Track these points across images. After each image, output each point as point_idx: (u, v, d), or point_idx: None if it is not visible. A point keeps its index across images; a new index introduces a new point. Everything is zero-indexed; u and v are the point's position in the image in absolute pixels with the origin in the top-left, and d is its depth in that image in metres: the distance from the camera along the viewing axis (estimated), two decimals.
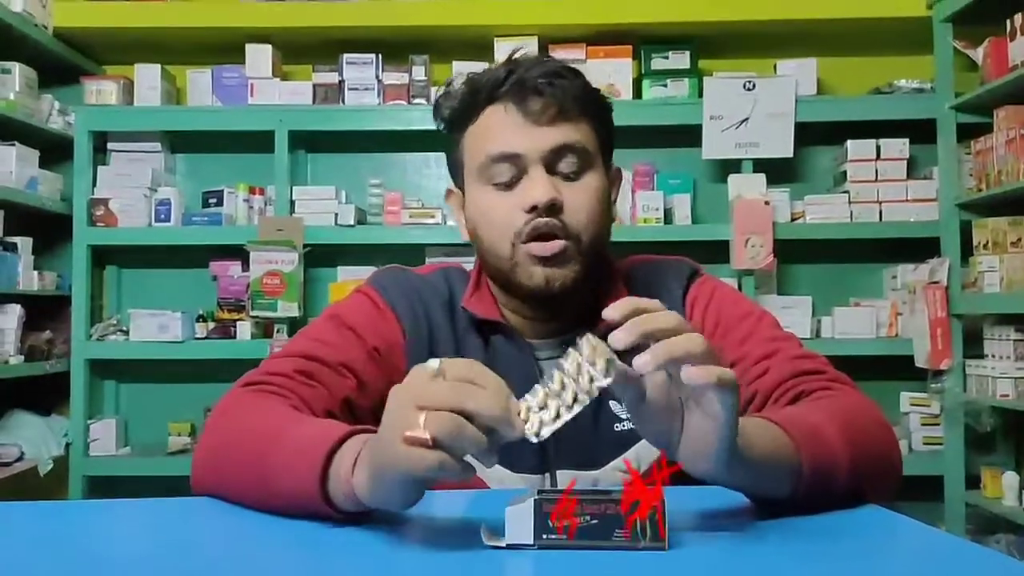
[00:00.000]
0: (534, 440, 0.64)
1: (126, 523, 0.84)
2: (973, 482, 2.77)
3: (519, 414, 0.64)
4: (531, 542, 0.65)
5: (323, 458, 0.72)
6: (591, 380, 0.64)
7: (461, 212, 1.06)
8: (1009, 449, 2.91)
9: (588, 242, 0.98)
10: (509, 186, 0.98)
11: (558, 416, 0.64)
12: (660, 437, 0.69)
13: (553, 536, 0.65)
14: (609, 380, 0.64)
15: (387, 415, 0.65)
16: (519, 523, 0.66)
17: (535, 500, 0.66)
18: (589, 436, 0.97)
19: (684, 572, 0.62)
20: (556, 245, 0.96)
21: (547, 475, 0.98)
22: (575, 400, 0.64)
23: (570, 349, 0.66)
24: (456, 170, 1.05)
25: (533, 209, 0.95)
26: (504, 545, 0.66)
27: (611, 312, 0.66)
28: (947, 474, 2.79)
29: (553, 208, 0.96)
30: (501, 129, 0.97)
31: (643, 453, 0.96)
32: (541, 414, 0.64)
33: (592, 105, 1.01)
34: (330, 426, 0.78)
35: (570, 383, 0.65)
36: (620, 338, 0.64)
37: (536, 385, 0.65)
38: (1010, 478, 2.61)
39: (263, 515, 0.79)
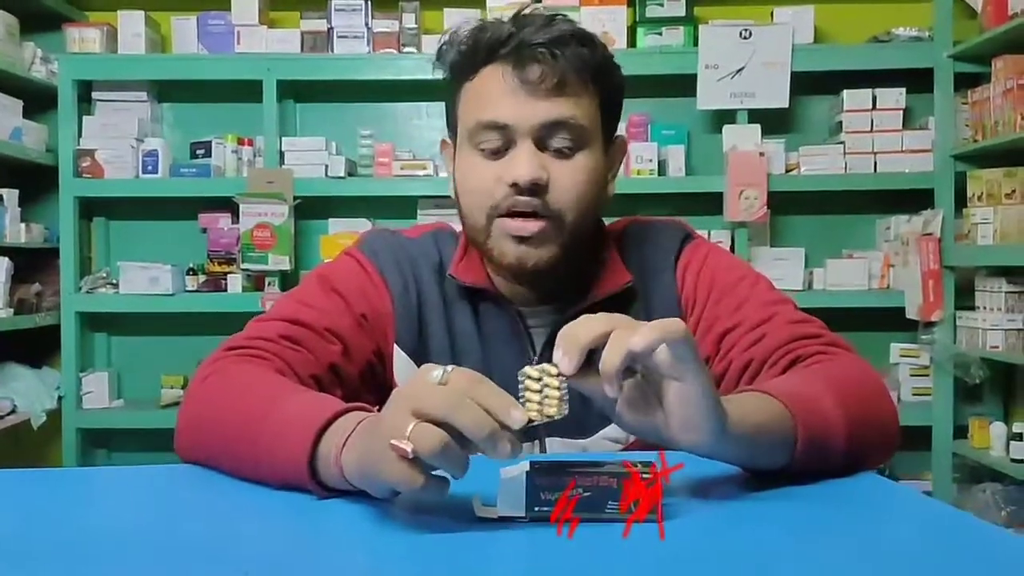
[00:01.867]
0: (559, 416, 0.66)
1: (113, 492, 0.84)
2: (960, 432, 2.80)
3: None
4: (523, 514, 0.65)
5: (312, 439, 0.71)
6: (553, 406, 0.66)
7: (452, 164, 1.03)
8: (997, 400, 2.94)
9: (572, 223, 0.94)
10: (496, 154, 0.94)
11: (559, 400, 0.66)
12: (644, 427, 0.69)
13: (546, 508, 0.65)
14: (565, 412, 0.66)
15: (384, 412, 0.65)
16: (511, 494, 0.65)
17: (527, 472, 0.66)
18: (578, 405, 0.96)
19: (679, 543, 0.62)
20: (534, 226, 0.93)
21: (536, 443, 0.97)
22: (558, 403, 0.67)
23: (522, 379, 0.67)
24: (451, 123, 1.02)
25: (515, 185, 0.92)
26: (496, 516, 0.66)
27: (564, 367, 0.66)
28: (935, 424, 2.82)
29: (536, 188, 0.92)
30: (495, 95, 0.93)
31: None
32: (544, 404, 0.66)
33: (599, 77, 0.95)
34: (318, 402, 0.77)
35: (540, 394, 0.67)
36: (564, 366, 0.65)
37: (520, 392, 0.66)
38: (998, 428, 2.64)
39: (251, 485, 0.78)
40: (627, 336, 0.64)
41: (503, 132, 0.93)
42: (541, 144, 0.93)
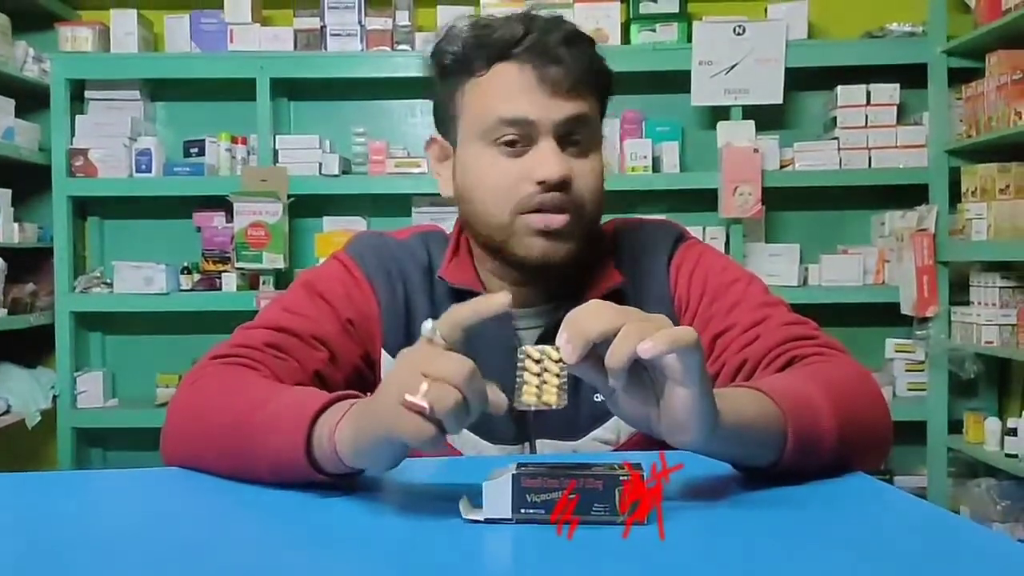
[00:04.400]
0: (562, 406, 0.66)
1: (105, 496, 0.84)
2: (955, 427, 2.80)
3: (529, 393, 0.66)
4: (509, 516, 0.65)
5: (309, 420, 0.73)
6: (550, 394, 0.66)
7: (443, 165, 1.02)
8: (992, 395, 2.94)
9: (588, 220, 0.96)
10: (515, 153, 0.94)
11: (559, 388, 0.66)
12: (638, 419, 0.69)
13: (531, 511, 0.65)
14: (564, 403, 0.66)
15: (391, 376, 0.67)
16: (497, 497, 0.65)
17: (513, 474, 0.65)
18: (568, 407, 0.96)
19: (665, 545, 0.62)
20: (562, 219, 0.93)
21: (526, 445, 0.97)
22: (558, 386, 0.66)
23: (522, 358, 0.67)
24: (446, 121, 1.01)
25: (541, 183, 0.92)
26: (482, 519, 0.66)
27: (567, 356, 0.65)
28: (930, 419, 2.82)
29: (563, 184, 0.93)
30: (515, 91, 0.93)
31: (622, 424, 0.96)
32: (543, 390, 0.66)
33: (601, 77, 0.98)
34: (315, 392, 0.79)
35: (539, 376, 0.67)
36: (567, 355, 0.65)
37: (519, 374, 0.67)
38: (992, 424, 2.64)
39: (238, 486, 0.78)
40: (637, 334, 0.63)
41: (524, 129, 0.93)
42: (560, 142, 0.94)
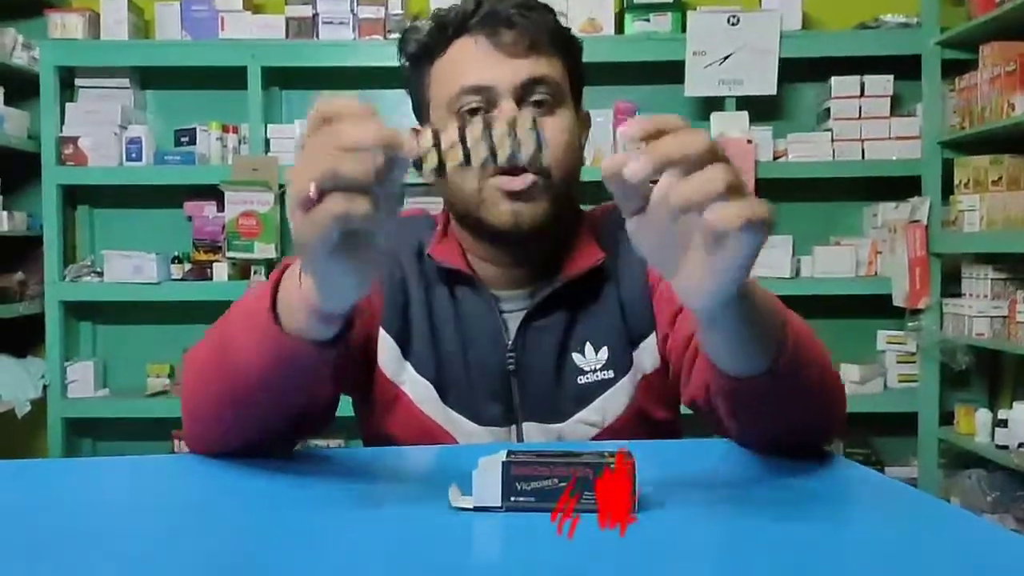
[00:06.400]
0: (430, 177, 0.62)
1: (96, 484, 0.83)
2: (947, 419, 2.81)
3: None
4: (499, 504, 0.65)
5: (270, 290, 0.72)
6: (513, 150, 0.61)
7: None
8: (983, 387, 2.95)
9: (559, 178, 0.95)
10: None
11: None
12: (658, 258, 0.65)
13: (521, 499, 0.64)
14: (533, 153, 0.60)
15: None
16: (487, 485, 0.65)
17: (503, 462, 0.65)
18: (552, 389, 0.96)
19: (653, 535, 0.61)
20: (526, 179, 0.92)
21: (513, 427, 0.97)
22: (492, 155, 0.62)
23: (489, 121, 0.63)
24: (421, 108, 1.02)
25: None
26: (471, 507, 0.65)
27: (628, 131, 0.58)
28: (921, 411, 2.83)
29: None
30: (471, 61, 0.94)
31: (607, 406, 0.96)
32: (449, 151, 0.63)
33: (563, 43, 0.98)
34: (265, 282, 0.77)
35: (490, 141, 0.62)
36: (635, 170, 0.57)
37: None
38: (983, 415, 2.65)
39: (226, 473, 0.78)
40: (712, 187, 0.57)
41: (484, 95, 0.94)
42: (521, 103, 0.94)
